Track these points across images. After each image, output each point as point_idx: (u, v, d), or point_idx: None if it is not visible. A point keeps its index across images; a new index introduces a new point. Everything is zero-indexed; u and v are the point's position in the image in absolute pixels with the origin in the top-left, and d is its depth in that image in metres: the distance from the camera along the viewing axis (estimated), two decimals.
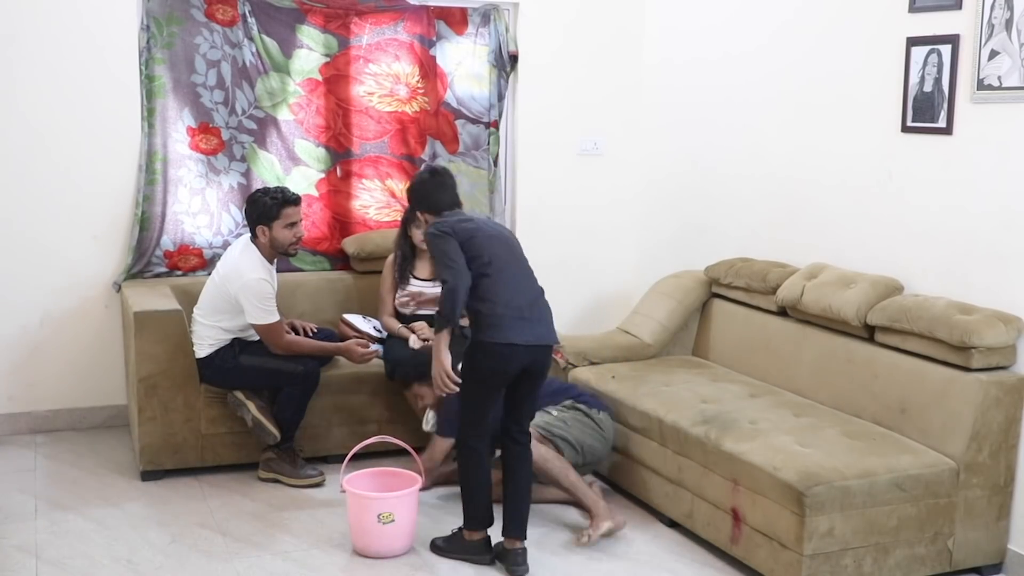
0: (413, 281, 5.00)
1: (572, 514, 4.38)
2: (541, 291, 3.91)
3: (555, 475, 4.20)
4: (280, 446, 4.62)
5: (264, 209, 4.53)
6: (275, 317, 4.54)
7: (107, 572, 3.80)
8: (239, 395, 4.56)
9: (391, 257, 5.07)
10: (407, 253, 5.01)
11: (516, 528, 3.87)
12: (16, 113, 5.02)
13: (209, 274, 5.35)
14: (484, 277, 3.74)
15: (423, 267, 5.01)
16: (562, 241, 5.97)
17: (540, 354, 3.83)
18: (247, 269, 4.51)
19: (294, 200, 4.59)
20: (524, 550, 3.85)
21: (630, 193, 6.08)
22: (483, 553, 3.92)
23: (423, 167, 4.14)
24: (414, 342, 4.76)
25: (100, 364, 5.30)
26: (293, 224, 4.58)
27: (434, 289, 4.84)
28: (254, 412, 4.53)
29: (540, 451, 4.13)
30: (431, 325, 4.63)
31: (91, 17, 5.07)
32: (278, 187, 4.71)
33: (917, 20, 4.18)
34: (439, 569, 3.90)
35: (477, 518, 3.91)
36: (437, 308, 3.78)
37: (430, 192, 3.98)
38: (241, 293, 4.48)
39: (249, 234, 4.65)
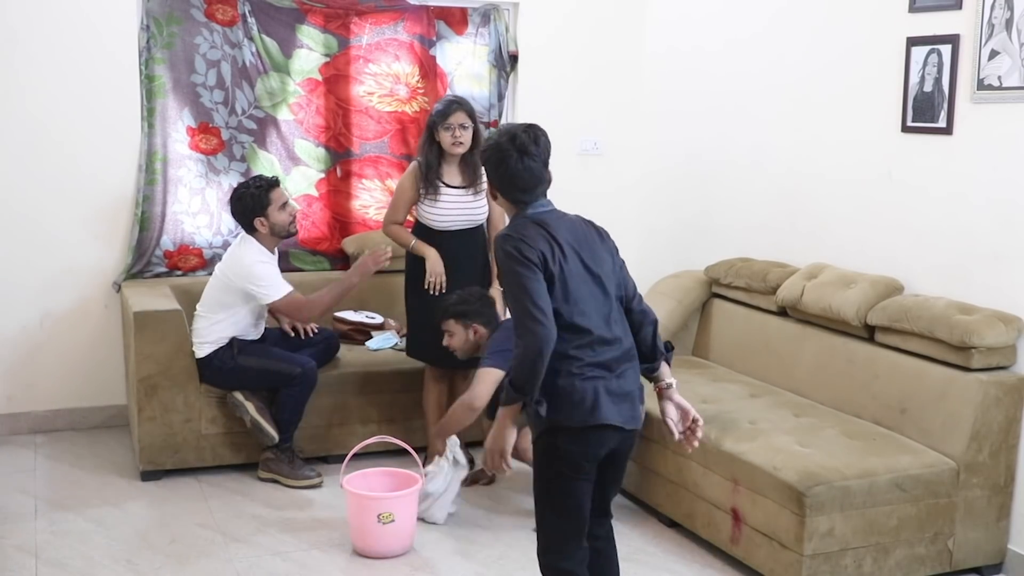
0: (445, 190, 4.56)
1: None
2: (630, 343, 2.98)
3: None
4: (279, 447, 4.62)
5: (254, 201, 4.56)
6: (287, 287, 4.54)
7: (107, 572, 3.80)
8: (238, 396, 4.57)
9: (413, 165, 4.65)
10: (432, 161, 4.54)
11: None
12: (16, 112, 5.02)
13: (210, 274, 5.38)
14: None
15: (452, 173, 4.59)
16: None
17: (631, 437, 2.99)
18: (246, 256, 4.55)
19: (276, 182, 4.65)
20: None
21: (630, 193, 6.08)
22: None
23: (509, 127, 2.98)
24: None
25: (100, 364, 5.30)
26: (285, 204, 4.62)
27: (470, 200, 4.54)
28: (252, 413, 4.53)
29: None
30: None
31: (91, 17, 5.06)
32: (254, 176, 4.76)
33: (917, 20, 4.18)
34: (439, 569, 3.90)
35: None
36: (510, 370, 2.82)
37: (503, 173, 2.93)
38: (247, 281, 4.50)
39: (243, 232, 4.67)
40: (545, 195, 2.97)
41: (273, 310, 4.63)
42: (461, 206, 4.59)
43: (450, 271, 4.56)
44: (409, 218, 4.74)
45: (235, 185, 4.82)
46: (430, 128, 4.57)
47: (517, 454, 3.67)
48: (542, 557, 2.97)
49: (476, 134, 4.59)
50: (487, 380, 4.13)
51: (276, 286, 4.52)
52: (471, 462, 4.83)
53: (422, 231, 4.64)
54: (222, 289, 4.59)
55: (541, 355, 2.73)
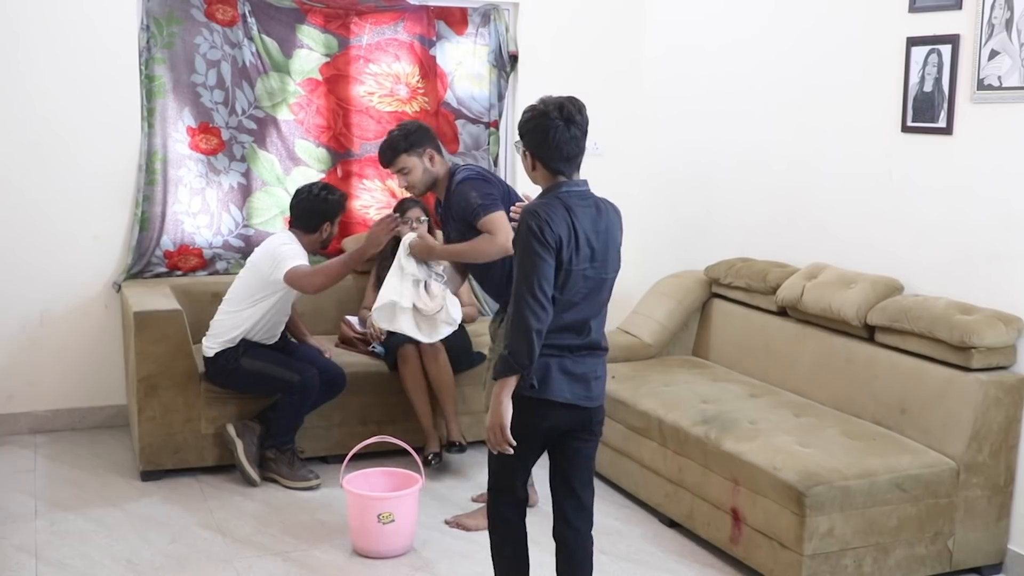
0: None
1: None
2: (605, 343, 3.11)
3: None
4: (280, 447, 4.62)
5: (337, 208, 4.67)
6: (299, 261, 4.45)
7: (107, 572, 3.80)
8: (231, 432, 4.59)
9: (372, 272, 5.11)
10: (387, 252, 4.79)
11: None
12: (16, 112, 5.02)
13: (210, 274, 5.37)
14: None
15: None
16: None
17: (587, 415, 3.09)
18: (277, 239, 4.59)
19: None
20: None
21: (630, 193, 6.05)
22: None
23: (551, 99, 3.05)
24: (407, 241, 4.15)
25: (100, 364, 5.30)
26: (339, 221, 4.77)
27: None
28: (239, 453, 4.57)
29: None
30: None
31: (91, 17, 5.07)
32: (326, 184, 4.78)
33: (917, 20, 4.18)
34: (439, 569, 3.90)
35: None
36: (506, 345, 2.93)
37: (551, 140, 2.99)
38: (272, 259, 4.45)
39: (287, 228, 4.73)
40: (580, 169, 3.06)
41: (289, 282, 4.45)
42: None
43: None
44: None
45: (313, 183, 4.74)
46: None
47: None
48: (490, 501, 3.24)
49: (432, 229, 4.94)
50: (500, 222, 3.91)
51: (291, 259, 4.42)
52: (460, 445, 4.82)
53: None
54: (253, 281, 4.53)
55: (540, 333, 2.87)
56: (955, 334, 3.75)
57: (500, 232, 3.89)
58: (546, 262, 2.87)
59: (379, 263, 5.00)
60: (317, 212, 4.61)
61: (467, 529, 4.26)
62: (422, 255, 4.01)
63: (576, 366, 3.00)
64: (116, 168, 5.20)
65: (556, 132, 2.98)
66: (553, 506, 3.19)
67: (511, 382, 2.92)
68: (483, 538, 4.13)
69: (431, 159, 4.13)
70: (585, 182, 3.06)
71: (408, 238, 4.06)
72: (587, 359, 3.03)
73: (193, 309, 4.85)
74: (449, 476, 4.79)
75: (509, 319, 2.92)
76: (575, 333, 2.99)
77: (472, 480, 4.75)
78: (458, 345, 4.87)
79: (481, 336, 5.26)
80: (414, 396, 4.79)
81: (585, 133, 3.04)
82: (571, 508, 3.14)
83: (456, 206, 4.05)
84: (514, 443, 2.97)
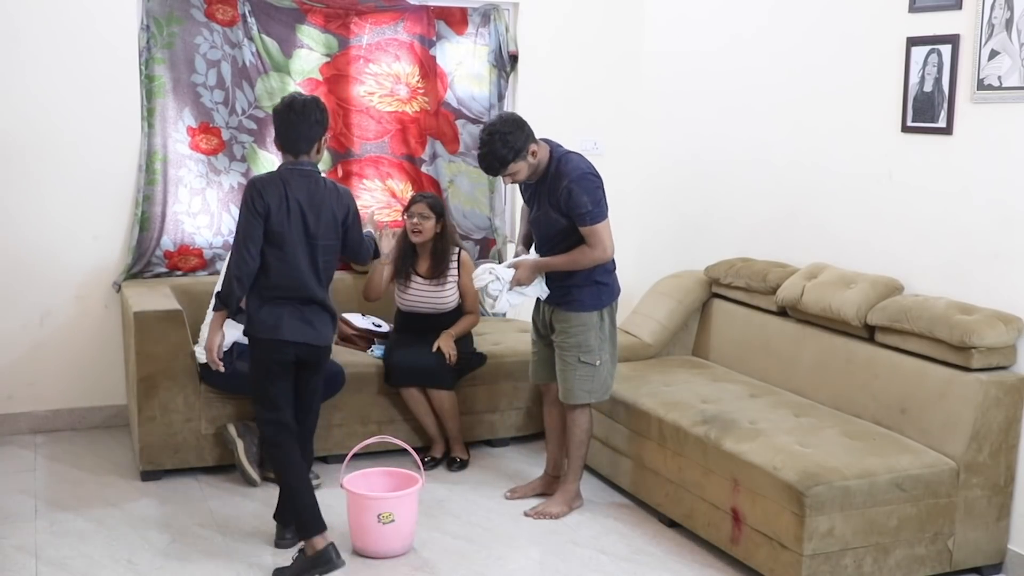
0: (415, 278, 4.92)
1: (575, 515, 4.39)
2: (323, 297, 3.83)
3: (574, 444, 4.32)
4: None
5: None
6: None
7: (107, 572, 3.80)
8: (231, 431, 4.59)
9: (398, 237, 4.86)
10: (407, 249, 4.91)
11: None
12: (16, 112, 5.02)
13: (210, 274, 5.36)
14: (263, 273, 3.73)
15: (421, 263, 4.93)
16: None
17: (315, 351, 3.86)
18: None
19: None
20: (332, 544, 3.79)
21: (630, 193, 6.08)
22: (332, 561, 3.72)
23: (288, 97, 3.82)
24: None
25: (100, 364, 5.30)
26: None
27: (436, 290, 4.89)
28: (239, 453, 4.57)
29: (585, 417, 4.31)
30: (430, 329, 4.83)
31: (91, 17, 5.06)
32: None
33: (917, 20, 4.18)
34: (439, 569, 3.90)
35: (310, 522, 3.75)
36: (221, 286, 3.76)
37: (278, 127, 3.77)
38: None
39: None
40: (308, 154, 3.75)
41: None
42: (427, 294, 4.89)
43: (416, 346, 4.84)
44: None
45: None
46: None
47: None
48: (261, 431, 3.93)
49: (446, 228, 4.91)
50: (603, 234, 4.10)
51: None
52: (461, 461, 4.88)
53: (397, 311, 5.06)
54: None
55: (241, 280, 3.67)
56: (955, 334, 3.75)
57: (598, 246, 4.09)
58: (252, 224, 3.66)
59: (396, 261, 4.91)
60: None
61: (554, 517, 4.32)
62: (530, 278, 4.23)
63: (303, 314, 3.76)
64: (116, 168, 5.20)
65: (280, 120, 3.74)
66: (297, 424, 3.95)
67: (221, 315, 3.75)
68: (483, 538, 4.15)
69: (534, 154, 4.12)
70: (311, 163, 3.76)
71: (505, 272, 4.24)
72: (311, 308, 3.78)
73: (193, 309, 4.84)
74: (450, 477, 4.80)
75: (225, 266, 3.71)
76: (297, 289, 3.74)
77: (468, 483, 4.75)
78: (460, 348, 4.87)
79: (481, 336, 5.27)
80: (418, 414, 4.89)
81: (310, 124, 3.72)
82: (301, 422, 3.95)
83: (562, 199, 4.08)
84: (221, 362, 3.81)
